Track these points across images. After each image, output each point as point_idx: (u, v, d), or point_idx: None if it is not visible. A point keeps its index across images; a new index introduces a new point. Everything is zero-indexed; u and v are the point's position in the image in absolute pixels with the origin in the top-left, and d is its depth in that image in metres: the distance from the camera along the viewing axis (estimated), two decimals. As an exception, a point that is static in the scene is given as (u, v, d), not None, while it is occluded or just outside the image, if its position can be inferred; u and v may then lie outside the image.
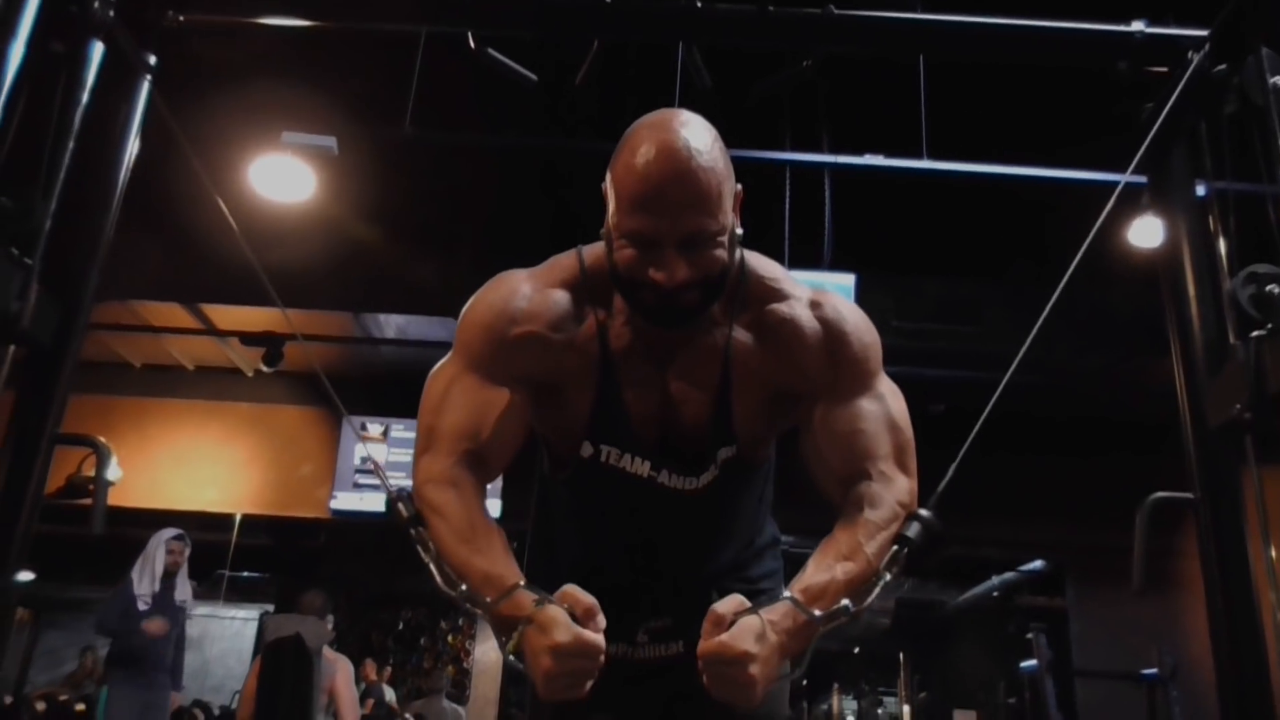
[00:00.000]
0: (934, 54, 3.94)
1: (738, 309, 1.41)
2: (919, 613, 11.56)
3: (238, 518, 8.00)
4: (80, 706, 6.15)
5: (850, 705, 16.55)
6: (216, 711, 6.29)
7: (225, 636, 10.73)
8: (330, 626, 4.73)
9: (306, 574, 8.41)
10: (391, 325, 7.07)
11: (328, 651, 4.63)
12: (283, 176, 4.63)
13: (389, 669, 8.66)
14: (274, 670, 4.18)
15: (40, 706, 6.10)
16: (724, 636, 1.15)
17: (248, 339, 6.49)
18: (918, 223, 5.97)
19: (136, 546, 5.60)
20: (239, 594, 10.13)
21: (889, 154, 4.46)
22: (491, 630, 1.22)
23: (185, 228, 4.63)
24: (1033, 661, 5.71)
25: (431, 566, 1.24)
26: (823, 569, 1.26)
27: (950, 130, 4.42)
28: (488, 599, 1.20)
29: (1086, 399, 6.91)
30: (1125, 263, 4.02)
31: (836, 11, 2.72)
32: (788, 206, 5.25)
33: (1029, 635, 5.74)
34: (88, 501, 2.54)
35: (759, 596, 1.58)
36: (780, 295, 1.42)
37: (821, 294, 1.44)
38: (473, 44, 3.42)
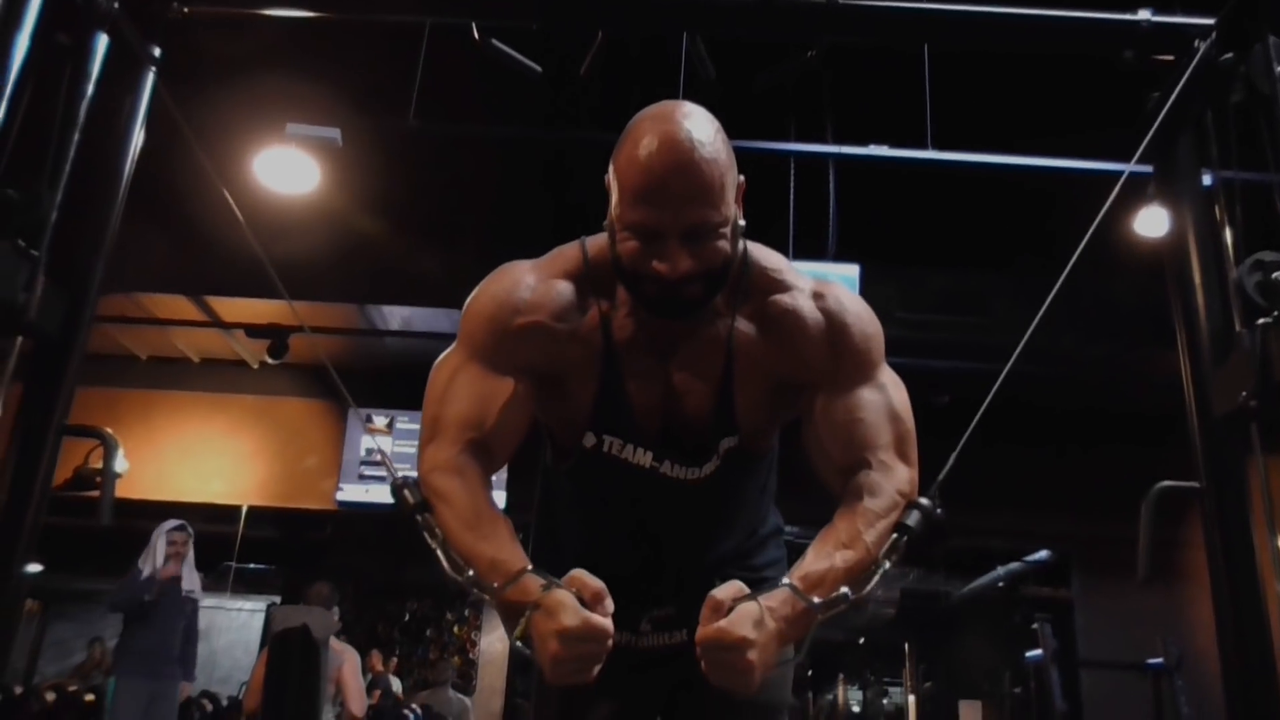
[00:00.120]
0: (938, 43, 3.93)
1: (740, 300, 1.41)
2: (924, 603, 11.57)
3: (244, 510, 8.02)
4: (89, 697, 6.19)
5: (855, 695, 16.59)
6: (224, 702, 6.32)
7: (232, 628, 10.77)
8: (337, 617, 4.75)
9: (313, 565, 8.43)
10: (396, 317, 7.08)
11: (334, 642, 4.65)
12: (287, 168, 4.63)
13: (394, 660, 8.69)
14: (281, 661, 4.20)
15: (49, 697, 6.13)
16: (722, 623, 1.16)
17: (253, 331, 6.50)
18: (923, 213, 5.96)
19: (144, 538, 5.64)
20: (246, 586, 10.16)
21: (894, 144, 4.45)
22: (499, 617, 1.22)
23: (190, 220, 4.64)
24: (1038, 651, 5.71)
25: (438, 553, 1.25)
26: (822, 557, 1.26)
27: (955, 120, 4.41)
28: (494, 584, 1.21)
29: (1091, 389, 6.90)
30: (1130, 252, 4.01)
31: (840, 1, 2.72)
32: (792, 197, 5.24)
33: (1034, 625, 5.74)
34: (95, 493, 2.55)
35: (762, 585, 1.59)
36: (783, 286, 1.42)
37: (824, 285, 1.44)
38: (476, 35, 3.41)
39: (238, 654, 10.32)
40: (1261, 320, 2.02)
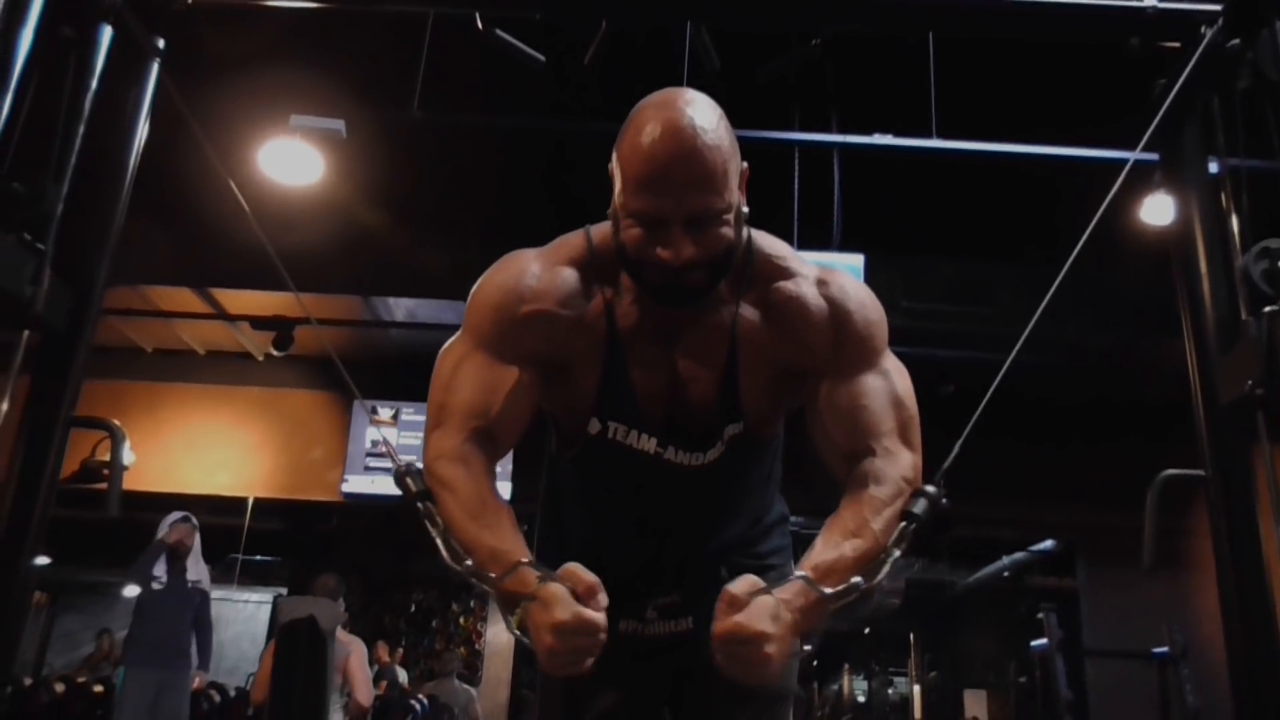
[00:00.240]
0: (943, 31, 3.91)
1: (745, 287, 1.41)
2: (929, 593, 11.59)
3: (250, 502, 8.04)
4: (98, 689, 6.21)
5: (861, 685, 16.62)
6: (232, 693, 6.34)
7: (239, 619, 10.81)
8: (343, 609, 4.77)
9: (319, 557, 8.46)
10: (401, 308, 7.09)
11: (341, 633, 4.66)
12: (291, 160, 4.63)
13: (400, 650, 8.72)
14: (288, 652, 4.21)
15: (58, 689, 6.16)
16: (739, 617, 1.16)
17: (258, 323, 6.51)
18: (928, 203, 5.95)
19: (151, 530, 5.66)
20: (252, 577, 10.20)
21: (898, 134, 4.43)
22: (498, 606, 1.23)
23: (195, 212, 4.65)
24: (1043, 641, 5.71)
25: (439, 541, 1.25)
26: (831, 547, 1.26)
27: (960, 109, 4.39)
28: (493, 575, 1.21)
29: (1097, 379, 6.89)
30: (1136, 241, 3.99)
31: (844, -10, 2.71)
32: (796, 187, 5.23)
33: (1039, 615, 5.73)
34: (102, 486, 2.56)
35: (767, 573, 1.58)
36: (787, 273, 1.42)
37: (828, 272, 1.45)
38: (480, 25, 3.41)
39: (245, 645, 10.36)
40: (1268, 308, 2.01)
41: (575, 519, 1.62)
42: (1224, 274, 2.44)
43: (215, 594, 5.92)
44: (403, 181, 5.85)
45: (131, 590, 5.79)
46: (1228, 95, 2.45)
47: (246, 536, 8.32)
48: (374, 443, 7.47)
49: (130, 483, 2.64)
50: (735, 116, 1.34)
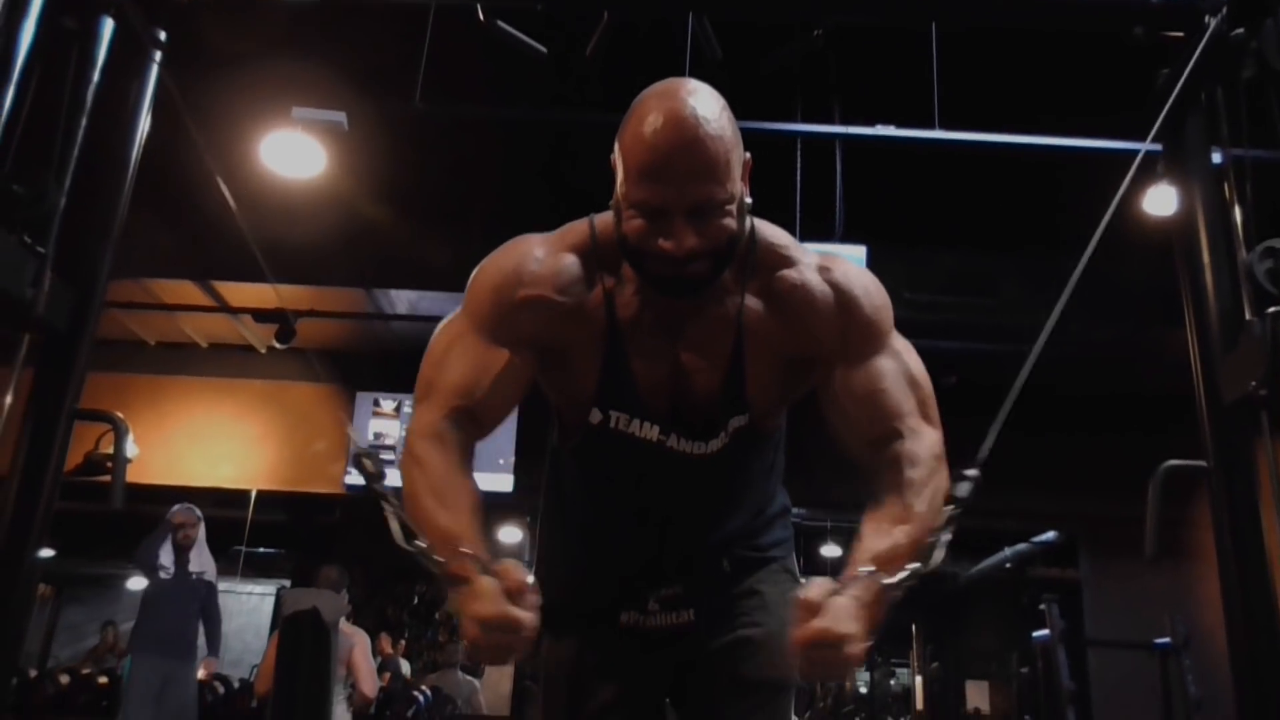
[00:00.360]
0: (946, 21, 3.90)
1: (748, 277, 1.41)
2: (931, 584, 11.55)
3: (253, 494, 8.05)
4: (103, 680, 6.23)
5: (863, 677, 16.64)
6: (236, 685, 6.36)
7: (243, 612, 10.83)
8: (346, 600, 4.78)
9: (322, 549, 8.47)
10: (403, 301, 7.08)
11: (344, 625, 4.67)
12: (293, 152, 4.63)
13: (403, 642, 8.74)
14: (292, 644, 4.21)
15: (63, 681, 6.18)
16: (821, 622, 1.15)
17: (260, 316, 6.51)
18: (930, 194, 5.93)
19: (154, 523, 5.69)
20: (256, 570, 10.21)
21: (900, 124, 4.42)
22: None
23: (197, 205, 4.64)
24: (1045, 632, 5.72)
25: (391, 522, 1.25)
26: (883, 535, 1.26)
27: (962, 100, 4.37)
28: (438, 558, 1.22)
29: (1100, 370, 6.88)
30: (1139, 232, 3.98)
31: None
32: (799, 178, 5.22)
33: (1041, 606, 5.74)
34: (106, 478, 2.57)
35: (769, 564, 1.59)
36: (789, 261, 1.42)
37: (829, 259, 1.45)
38: (482, 16, 3.40)
39: (248, 637, 10.37)
40: (1272, 309, 2.01)
41: (577, 510, 1.62)
42: (1227, 265, 2.44)
43: (219, 586, 5.95)
44: (404, 174, 5.84)
45: (136, 582, 5.83)
46: (1231, 85, 2.44)
47: (250, 529, 8.33)
48: (376, 435, 7.48)
49: (134, 475, 2.64)
50: (737, 107, 1.33)
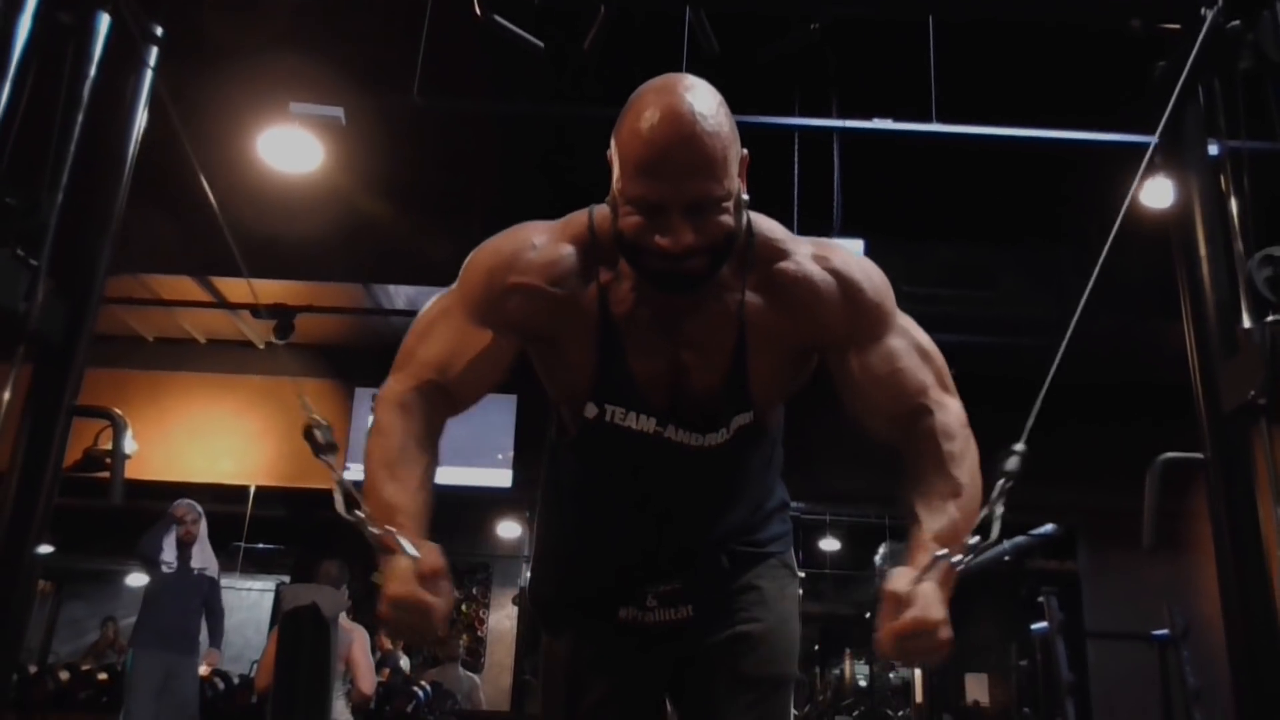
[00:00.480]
0: (943, 13, 3.90)
1: (747, 272, 1.41)
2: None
3: (252, 489, 8.05)
4: (103, 676, 6.24)
5: (862, 670, 16.66)
6: (236, 680, 6.36)
7: (243, 607, 10.82)
8: (347, 596, 4.78)
9: (321, 544, 8.46)
10: (402, 296, 7.07)
11: (344, 620, 4.67)
12: (291, 147, 4.63)
13: (404, 637, 8.74)
14: (292, 639, 4.22)
15: (64, 676, 6.18)
16: (914, 612, 1.16)
17: (259, 311, 6.50)
18: (928, 187, 5.93)
19: (154, 518, 5.70)
20: (255, 565, 10.20)
21: (898, 117, 4.42)
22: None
23: (196, 201, 4.63)
24: (1044, 624, 5.73)
25: (336, 493, 1.27)
26: (940, 513, 1.29)
27: (960, 93, 4.37)
28: (373, 529, 1.24)
29: (1099, 362, 6.87)
30: (1137, 224, 3.98)
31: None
32: (796, 171, 5.22)
33: (1040, 598, 5.75)
34: (105, 474, 2.57)
35: (768, 559, 1.59)
36: (785, 253, 1.43)
37: (822, 246, 1.45)
38: (478, 11, 3.39)
39: (248, 633, 10.37)
40: (1271, 317, 2.02)
41: (575, 504, 1.62)
42: (1224, 257, 2.44)
43: (220, 581, 5.97)
44: (403, 169, 5.84)
45: (136, 578, 5.84)
46: (1228, 77, 2.44)
47: (249, 524, 8.33)
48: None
49: (133, 471, 2.64)
50: (734, 101, 1.33)
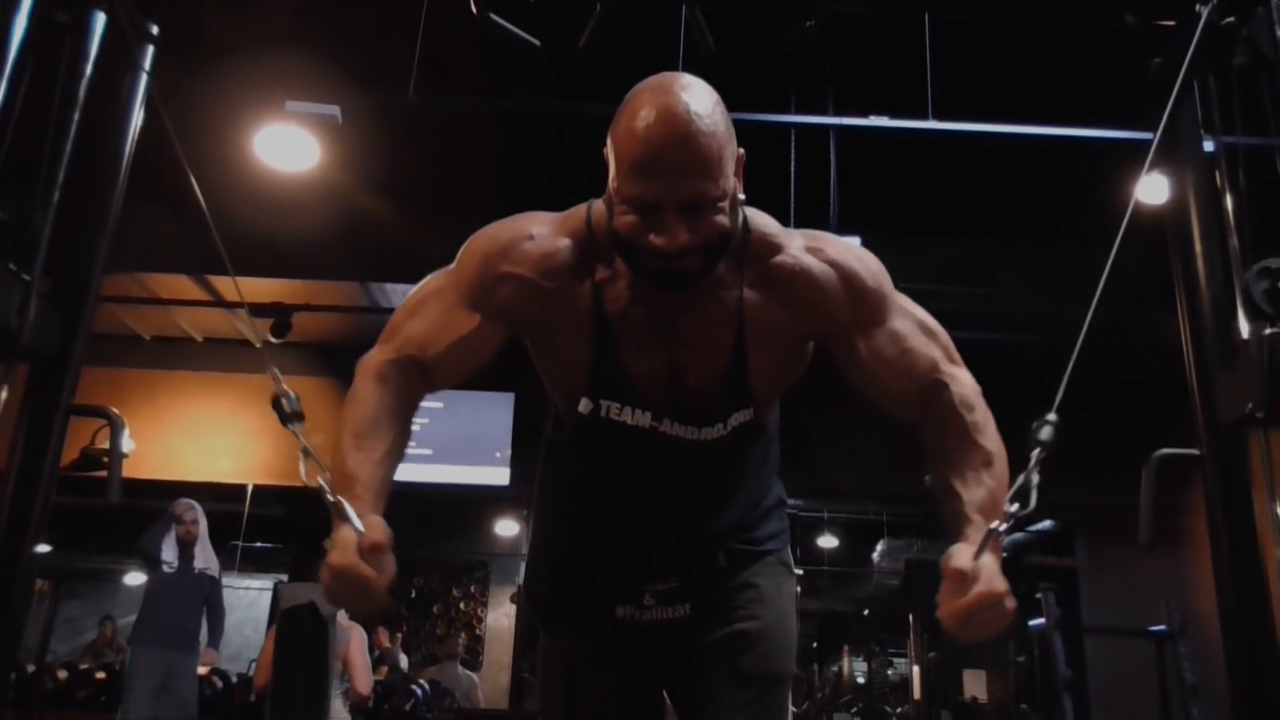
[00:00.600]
0: (939, 11, 3.90)
1: (744, 268, 1.41)
2: (929, 573, 11.61)
3: (250, 488, 8.05)
4: (101, 675, 6.23)
5: (860, 666, 16.68)
6: (234, 679, 6.36)
7: (240, 606, 10.83)
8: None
9: (319, 543, 8.46)
10: (399, 294, 7.06)
11: (342, 619, 4.67)
12: (287, 146, 4.62)
13: (400, 635, 8.74)
14: (290, 638, 4.22)
15: (62, 675, 6.18)
16: (980, 587, 1.18)
17: (256, 310, 6.50)
18: (926, 183, 5.93)
19: (152, 517, 5.70)
20: (253, 564, 10.21)
21: (894, 114, 4.42)
22: None
23: (193, 199, 4.63)
24: (1041, 620, 5.74)
25: (302, 461, 1.29)
26: (976, 484, 1.31)
27: (957, 89, 4.37)
28: (329, 498, 1.26)
29: (1096, 357, 6.87)
30: (1134, 219, 3.98)
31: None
32: (793, 169, 5.22)
33: (1038, 595, 5.75)
34: (103, 473, 2.56)
35: (765, 557, 1.59)
36: (779, 247, 1.43)
37: (813, 237, 1.46)
38: (474, 9, 3.39)
39: (246, 632, 10.38)
40: (1269, 330, 2.02)
41: (572, 502, 1.62)
42: (1220, 253, 2.44)
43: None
44: (399, 167, 5.83)
45: (134, 577, 5.83)
46: (1223, 73, 2.44)
47: (246, 523, 8.33)
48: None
49: (130, 470, 2.64)
50: (730, 99, 1.33)
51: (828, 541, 11.17)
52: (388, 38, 4.48)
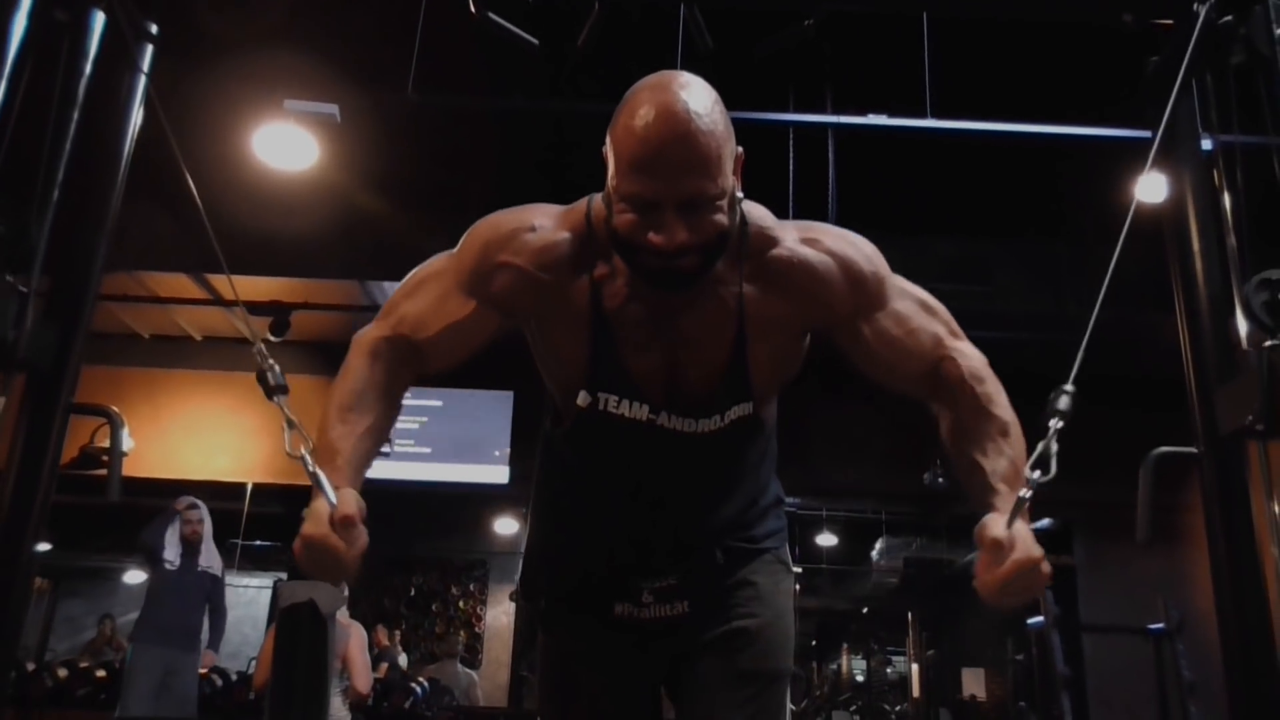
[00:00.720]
0: (937, 10, 3.90)
1: (743, 264, 1.42)
2: (927, 572, 11.63)
3: (249, 486, 8.05)
4: (101, 673, 6.23)
5: (859, 665, 16.70)
6: (234, 677, 6.36)
7: (240, 604, 10.81)
8: (344, 592, 4.78)
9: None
10: (398, 293, 7.07)
11: (341, 617, 4.68)
12: (286, 144, 4.62)
13: (399, 633, 8.75)
14: (289, 636, 4.21)
15: (61, 674, 6.18)
16: (1018, 555, 1.19)
17: (255, 308, 6.50)
18: (924, 182, 5.93)
19: (151, 516, 5.69)
20: (252, 562, 10.21)
21: (893, 113, 4.42)
22: None
23: (191, 197, 4.63)
24: (1040, 618, 5.74)
25: (285, 432, 1.30)
26: (996, 454, 1.34)
27: (955, 88, 4.38)
28: (309, 469, 1.27)
29: (1095, 354, 6.88)
30: (1134, 217, 3.98)
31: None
32: (791, 167, 5.22)
33: (1036, 592, 5.75)
34: (102, 472, 2.57)
35: (762, 555, 1.60)
36: (774, 240, 1.44)
37: (806, 228, 1.47)
38: (473, 8, 3.39)
39: (246, 630, 10.38)
40: (1269, 343, 2.02)
41: (569, 497, 1.63)
42: (1218, 251, 2.45)
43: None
44: (398, 165, 5.83)
45: (134, 575, 5.83)
46: (1221, 72, 2.45)
47: (246, 521, 8.33)
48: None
49: (130, 468, 2.65)
50: (729, 97, 1.33)
51: (826, 539, 11.18)
52: (386, 36, 4.48)
